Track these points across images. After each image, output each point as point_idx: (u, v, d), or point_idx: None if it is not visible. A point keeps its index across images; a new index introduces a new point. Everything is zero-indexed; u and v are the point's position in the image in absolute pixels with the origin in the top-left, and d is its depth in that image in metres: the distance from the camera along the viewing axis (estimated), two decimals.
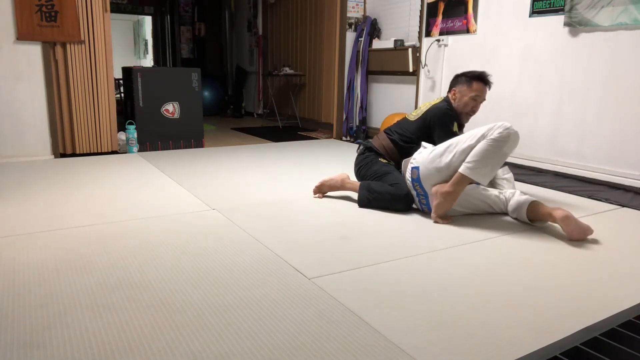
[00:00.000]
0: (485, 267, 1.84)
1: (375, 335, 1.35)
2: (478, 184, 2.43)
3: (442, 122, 2.60)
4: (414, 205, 2.57)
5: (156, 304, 1.50)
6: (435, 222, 2.35)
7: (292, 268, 1.79)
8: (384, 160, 2.74)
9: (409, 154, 2.60)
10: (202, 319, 1.42)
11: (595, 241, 2.15)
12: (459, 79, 2.68)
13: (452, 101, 2.68)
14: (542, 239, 2.17)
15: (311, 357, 1.24)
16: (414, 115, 2.77)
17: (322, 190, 2.81)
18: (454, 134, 2.56)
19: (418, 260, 1.89)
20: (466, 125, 2.77)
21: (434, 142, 2.55)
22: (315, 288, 1.62)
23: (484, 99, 2.67)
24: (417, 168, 2.42)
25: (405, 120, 2.81)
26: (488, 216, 2.49)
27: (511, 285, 1.69)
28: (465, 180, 2.27)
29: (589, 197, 2.92)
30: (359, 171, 2.81)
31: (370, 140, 2.91)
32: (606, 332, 1.37)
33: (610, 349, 1.31)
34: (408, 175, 2.50)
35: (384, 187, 2.56)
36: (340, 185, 2.76)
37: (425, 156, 2.41)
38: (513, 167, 3.70)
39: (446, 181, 2.33)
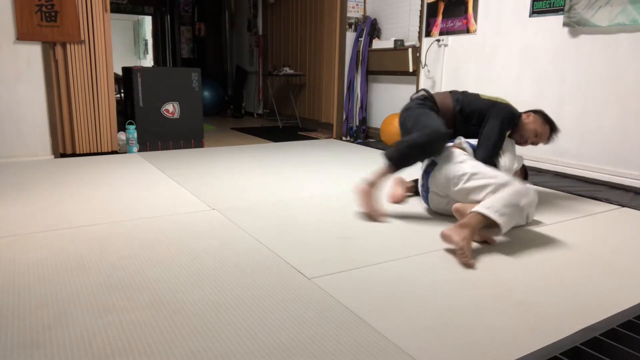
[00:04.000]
0: (485, 267, 1.84)
1: (375, 335, 1.35)
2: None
3: (504, 119, 2.50)
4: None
5: (156, 304, 1.50)
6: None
7: (292, 268, 1.79)
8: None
9: (459, 129, 2.58)
10: (202, 319, 1.42)
11: (595, 241, 2.15)
12: (540, 112, 2.63)
13: (524, 119, 2.61)
14: (542, 240, 2.16)
15: (311, 357, 1.24)
16: (486, 95, 2.66)
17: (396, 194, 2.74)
18: (503, 137, 2.49)
19: (418, 260, 1.89)
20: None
21: (477, 133, 2.51)
22: (315, 288, 1.62)
23: (537, 143, 2.64)
24: (435, 163, 2.39)
25: (476, 95, 2.68)
26: None
27: (511, 285, 1.68)
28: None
29: (589, 197, 2.92)
30: (405, 111, 2.59)
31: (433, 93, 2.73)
32: (606, 332, 1.37)
33: (610, 349, 1.31)
34: (424, 163, 2.46)
35: (412, 135, 2.36)
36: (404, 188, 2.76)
37: (448, 160, 2.33)
38: None
39: (448, 195, 2.34)
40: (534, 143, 2.63)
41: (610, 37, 3.16)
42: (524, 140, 2.62)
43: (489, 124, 2.49)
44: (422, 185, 2.48)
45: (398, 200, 2.71)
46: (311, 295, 1.58)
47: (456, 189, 2.25)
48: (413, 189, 2.82)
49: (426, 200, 2.48)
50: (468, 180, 2.21)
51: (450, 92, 2.70)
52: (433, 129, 2.32)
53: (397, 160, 2.34)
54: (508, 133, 2.57)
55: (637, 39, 3.04)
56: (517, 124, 2.58)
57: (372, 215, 2.39)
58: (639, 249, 2.07)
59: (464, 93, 2.68)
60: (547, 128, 2.61)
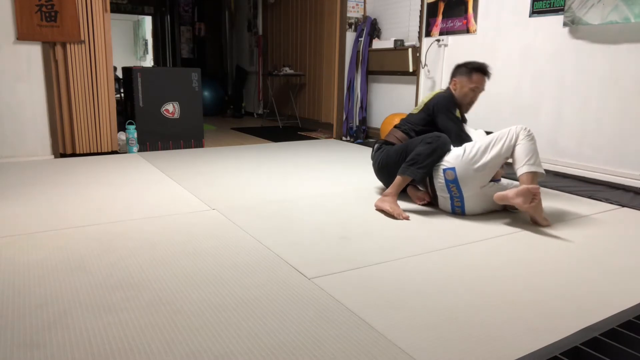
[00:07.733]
0: (485, 267, 1.84)
1: (375, 335, 1.35)
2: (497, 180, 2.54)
3: (445, 108, 2.67)
4: (441, 207, 2.58)
5: (156, 304, 1.50)
6: (546, 224, 2.35)
7: (292, 268, 1.79)
8: None
9: None
10: (202, 319, 1.42)
11: (595, 241, 2.15)
12: (459, 69, 2.74)
13: (453, 91, 2.76)
14: (542, 239, 2.17)
15: (311, 357, 1.24)
16: (416, 109, 2.82)
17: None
18: (457, 119, 2.64)
19: (418, 260, 1.89)
20: (466, 116, 2.88)
21: (438, 129, 2.65)
22: (315, 288, 1.63)
23: (483, 90, 2.74)
24: (452, 169, 2.41)
25: (410, 115, 2.86)
26: (488, 217, 2.49)
27: (511, 285, 1.69)
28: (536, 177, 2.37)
29: (589, 197, 2.92)
30: (381, 162, 2.78)
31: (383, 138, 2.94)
32: (606, 332, 1.37)
33: (610, 349, 1.31)
34: (442, 178, 2.47)
35: (418, 149, 2.50)
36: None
37: (457, 156, 2.42)
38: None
39: (484, 180, 2.40)
40: (480, 90, 2.73)
41: (610, 37, 3.16)
42: (472, 98, 2.73)
43: (439, 121, 2.66)
44: (452, 198, 2.47)
45: (425, 200, 2.71)
46: (311, 295, 1.58)
47: (479, 165, 2.37)
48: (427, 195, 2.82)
49: (460, 207, 2.48)
50: (485, 155, 2.38)
51: (395, 126, 2.88)
52: (429, 134, 2.51)
53: (421, 177, 2.49)
54: (458, 112, 2.71)
55: (637, 39, 3.04)
56: (455, 101, 2.72)
57: (397, 216, 2.46)
58: (639, 249, 2.07)
59: (404, 119, 2.87)
60: (474, 72, 2.69)
